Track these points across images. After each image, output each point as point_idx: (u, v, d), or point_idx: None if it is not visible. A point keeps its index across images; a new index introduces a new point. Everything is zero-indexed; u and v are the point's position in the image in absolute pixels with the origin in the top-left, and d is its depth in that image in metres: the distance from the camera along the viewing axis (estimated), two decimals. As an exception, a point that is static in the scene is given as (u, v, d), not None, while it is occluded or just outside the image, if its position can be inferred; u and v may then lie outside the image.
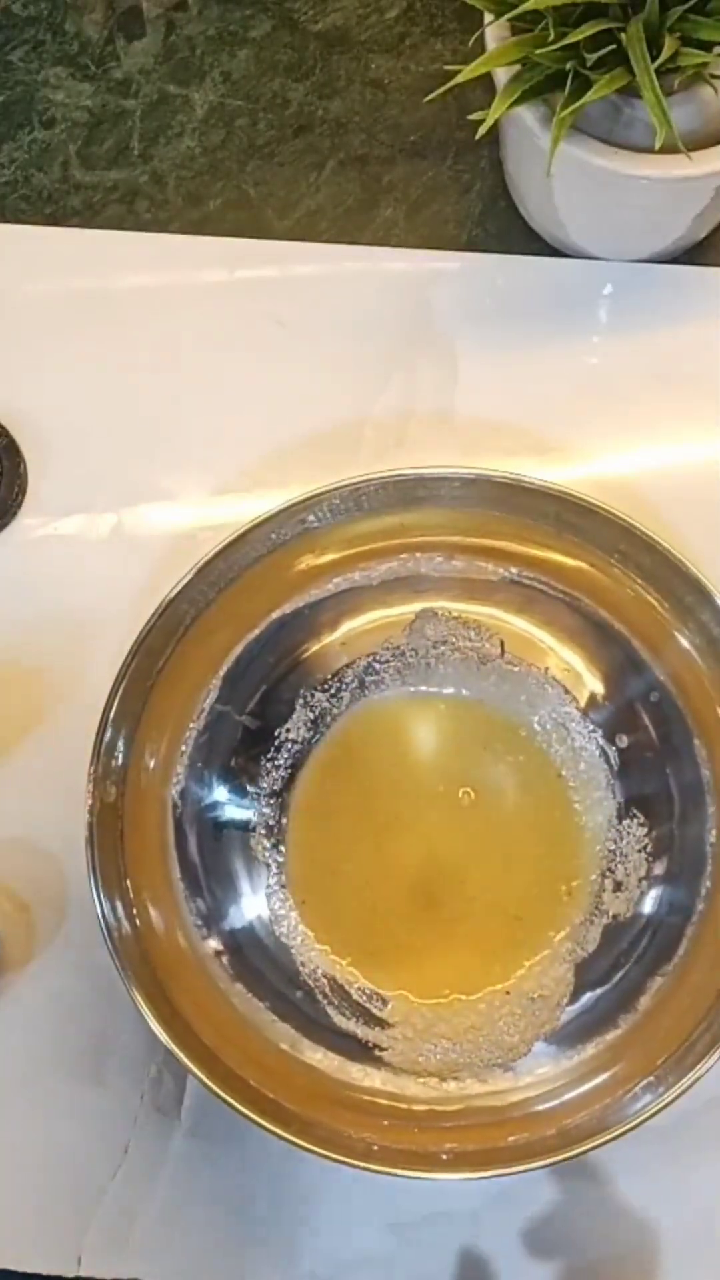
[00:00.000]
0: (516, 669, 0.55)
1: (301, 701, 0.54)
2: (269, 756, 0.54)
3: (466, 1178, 0.47)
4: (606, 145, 0.51)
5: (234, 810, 0.53)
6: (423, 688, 0.55)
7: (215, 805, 0.53)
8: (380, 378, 0.59)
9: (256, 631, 0.53)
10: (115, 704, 0.49)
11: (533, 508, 0.52)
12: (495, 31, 0.51)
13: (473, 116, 0.50)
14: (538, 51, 0.48)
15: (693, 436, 0.58)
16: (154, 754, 0.51)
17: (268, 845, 0.53)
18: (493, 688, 0.54)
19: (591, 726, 0.54)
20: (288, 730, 0.54)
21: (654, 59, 0.47)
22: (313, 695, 0.54)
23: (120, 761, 0.50)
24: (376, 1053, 0.51)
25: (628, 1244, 0.51)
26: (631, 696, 0.54)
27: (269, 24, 0.64)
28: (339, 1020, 0.51)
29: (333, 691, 0.54)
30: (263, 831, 0.53)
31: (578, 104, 0.48)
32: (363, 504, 0.52)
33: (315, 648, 0.55)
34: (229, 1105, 0.46)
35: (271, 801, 0.53)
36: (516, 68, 0.50)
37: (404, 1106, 0.50)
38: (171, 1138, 0.52)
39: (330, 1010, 0.52)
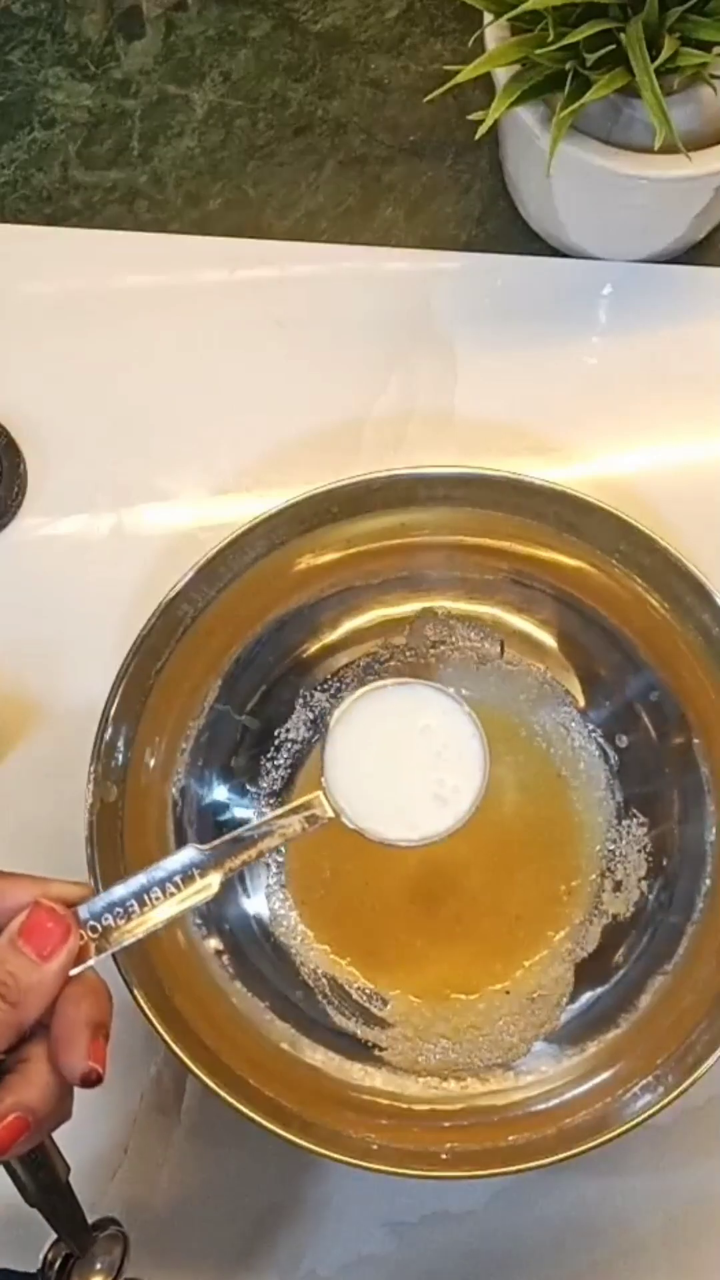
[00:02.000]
0: (516, 669, 0.55)
1: (301, 701, 0.54)
2: (269, 756, 0.54)
3: (466, 1177, 0.47)
4: (606, 145, 0.51)
5: (234, 809, 0.53)
6: (423, 688, 0.55)
7: (215, 804, 0.53)
8: (380, 378, 0.59)
9: (256, 631, 0.53)
10: (115, 703, 0.49)
11: (533, 508, 0.52)
12: (495, 31, 0.51)
13: (473, 116, 0.50)
14: (538, 51, 0.48)
15: (693, 436, 0.58)
16: (154, 753, 0.51)
17: (268, 845, 0.53)
18: (493, 688, 0.54)
19: (591, 726, 0.54)
20: (288, 730, 0.54)
21: (654, 59, 0.47)
22: (313, 695, 0.54)
23: (120, 761, 0.50)
24: (376, 1052, 0.51)
25: (628, 1243, 0.51)
26: (631, 696, 0.53)
27: (269, 24, 0.64)
28: (339, 1020, 0.51)
29: (333, 691, 0.54)
30: (263, 831, 0.53)
31: (578, 104, 0.48)
32: (363, 504, 0.52)
33: (315, 648, 0.55)
34: (229, 1105, 0.45)
35: (271, 801, 0.53)
36: (516, 68, 0.50)
37: (404, 1106, 0.50)
38: (171, 1138, 0.52)
39: (330, 1010, 0.51)
